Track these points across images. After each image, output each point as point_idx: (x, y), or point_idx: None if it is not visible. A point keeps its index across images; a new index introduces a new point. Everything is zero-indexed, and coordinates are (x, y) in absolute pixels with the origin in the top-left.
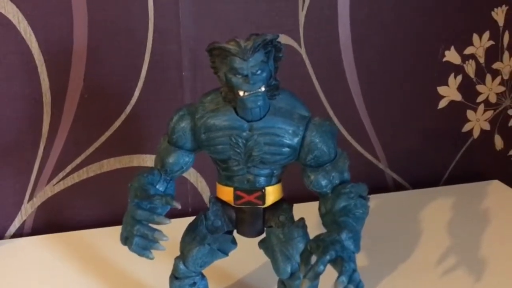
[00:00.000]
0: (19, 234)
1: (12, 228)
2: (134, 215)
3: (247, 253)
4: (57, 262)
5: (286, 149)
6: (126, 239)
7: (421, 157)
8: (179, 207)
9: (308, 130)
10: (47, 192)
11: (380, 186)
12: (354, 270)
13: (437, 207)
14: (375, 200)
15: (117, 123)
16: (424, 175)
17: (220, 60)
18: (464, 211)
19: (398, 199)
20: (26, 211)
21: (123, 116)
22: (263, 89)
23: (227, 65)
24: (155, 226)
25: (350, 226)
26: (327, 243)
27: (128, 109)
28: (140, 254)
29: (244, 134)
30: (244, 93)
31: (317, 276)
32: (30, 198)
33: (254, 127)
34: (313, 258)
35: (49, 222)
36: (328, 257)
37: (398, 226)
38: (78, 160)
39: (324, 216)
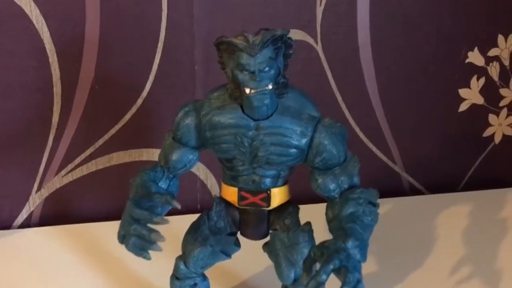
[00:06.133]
0: (26, 224)
1: (20, 218)
2: (132, 214)
3: (252, 255)
4: (63, 254)
5: (293, 150)
6: (123, 238)
7: (439, 161)
8: (179, 207)
9: (317, 131)
10: (55, 183)
11: (396, 189)
12: (359, 281)
13: (454, 213)
14: (389, 204)
15: (127, 116)
16: (442, 180)
17: (227, 55)
18: (482, 219)
19: (413, 204)
20: (34, 202)
21: (133, 109)
22: (270, 87)
23: (234, 60)
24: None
25: (357, 233)
26: (332, 251)
27: (139, 102)
28: (137, 254)
29: (250, 133)
30: (250, 90)
31: (319, 285)
32: (38, 189)
33: (261, 126)
34: (317, 266)
35: (56, 213)
36: (331, 266)
37: (412, 231)
38: (87, 152)
39: (331, 221)
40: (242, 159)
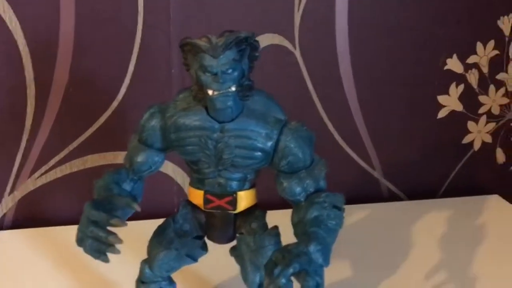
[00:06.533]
0: None
1: None
2: (89, 216)
3: (222, 259)
4: (36, 257)
5: (258, 153)
6: (81, 241)
7: (419, 167)
8: (139, 209)
9: (282, 134)
10: (28, 185)
11: (374, 195)
12: (318, 285)
13: (432, 220)
14: (368, 210)
15: (102, 119)
16: (421, 186)
17: (191, 57)
18: (461, 226)
19: (392, 210)
20: (7, 204)
21: (109, 112)
22: (233, 89)
23: (197, 62)
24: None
25: (320, 237)
26: (293, 255)
27: (115, 104)
28: (94, 257)
29: (215, 135)
30: (213, 92)
31: None
32: (11, 191)
33: (226, 128)
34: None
35: (30, 216)
36: (291, 270)
37: (390, 237)
38: (61, 155)
39: (295, 225)
40: (207, 161)
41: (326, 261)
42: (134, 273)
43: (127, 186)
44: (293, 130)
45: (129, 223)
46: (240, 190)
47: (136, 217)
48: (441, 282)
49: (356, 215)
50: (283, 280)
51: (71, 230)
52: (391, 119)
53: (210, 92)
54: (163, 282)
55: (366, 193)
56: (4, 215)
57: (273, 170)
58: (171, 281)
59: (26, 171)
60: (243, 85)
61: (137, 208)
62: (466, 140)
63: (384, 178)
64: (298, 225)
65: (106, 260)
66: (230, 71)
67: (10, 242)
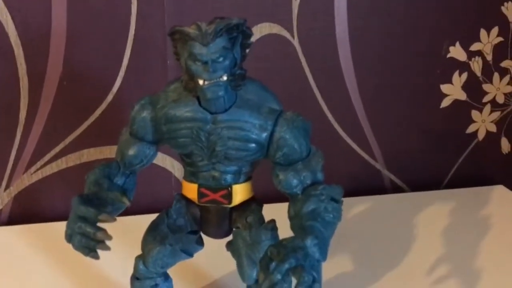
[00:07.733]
0: None
1: None
2: (77, 211)
3: (219, 253)
4: (32, 253)
5: (252, 145)
6: (69, 237)
7: (422, 158)
8: (128, 204)
9: (277, 125)
10: (24, 181)
11: (377, 187)
12: (315, 280)
13: (436, 211)
14: (370, 202)
15: (97, 112)
16: (424, 177)
17: (181, 45)
18: (465, 217)
19: (395, 202)
20: (3, 200)
21: (104, 105)
22: (225, 78)
23: (187, 50)
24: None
25: (317, 231)
26: (289, 250)
27: (110, 97)
28: (84, 254)
29: (207, 127)
30: (203, 81)
31: (273, 285)
32: (7, 187)
33: (218, 119)
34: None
35: (26, 212)
36: (287, 266)
37: (393, 230)
38: (57, 149)
39: (292, 219)
40: (200, 154)
41: (323, 255)
42: (132, 268)
43: (119, 180)
44: (288, 121)
45: (127, 217)
46: (235, 183)
47: (134, 211)
48: (445, 274)
49: (358, 207)
50: (279, 276)
51: None
52: (393, 109)
53: (200, 81)
54: (158, 278)
55: (368, 185)
56: (0, 211)
57: (269, 162)
58: (167, 277)
59: (21, 166)
60: (235, 74)
61: (127, 202)
62: (470, 129)
63: (386, 170)
64: (294, 219)
65: (96, 256)
66: (221, 59)
67: (7, 238)
